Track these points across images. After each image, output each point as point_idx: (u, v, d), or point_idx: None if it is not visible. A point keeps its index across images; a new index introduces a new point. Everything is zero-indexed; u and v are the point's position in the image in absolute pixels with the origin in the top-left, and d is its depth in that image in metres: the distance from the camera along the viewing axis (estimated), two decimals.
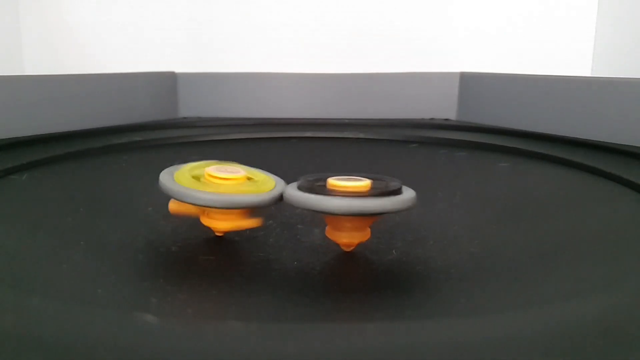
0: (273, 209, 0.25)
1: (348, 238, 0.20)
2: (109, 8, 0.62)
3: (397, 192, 0.19)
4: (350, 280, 0.18)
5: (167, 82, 0.57)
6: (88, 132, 0.45)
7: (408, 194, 0.19)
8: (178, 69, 0.58)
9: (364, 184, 0.19)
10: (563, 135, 0.43)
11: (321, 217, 0.20)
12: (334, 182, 0.19)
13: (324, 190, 0.18)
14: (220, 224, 0.20)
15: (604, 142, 0.40)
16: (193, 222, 0.22)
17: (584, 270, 0.18)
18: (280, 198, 0.20)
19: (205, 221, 0.21)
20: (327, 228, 0.20)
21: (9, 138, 0.40)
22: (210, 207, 0.19)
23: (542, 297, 0.16)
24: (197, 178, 0.20)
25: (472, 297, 0.17)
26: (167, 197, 0.20)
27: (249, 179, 0.21)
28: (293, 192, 0.19)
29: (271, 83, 0.58)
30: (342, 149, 0.44)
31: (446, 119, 0.56)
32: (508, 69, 0.56)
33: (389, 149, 0.44)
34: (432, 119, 0.56)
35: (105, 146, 0.40)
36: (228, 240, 0.21)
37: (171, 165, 0.22)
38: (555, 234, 0.22)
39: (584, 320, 0.13)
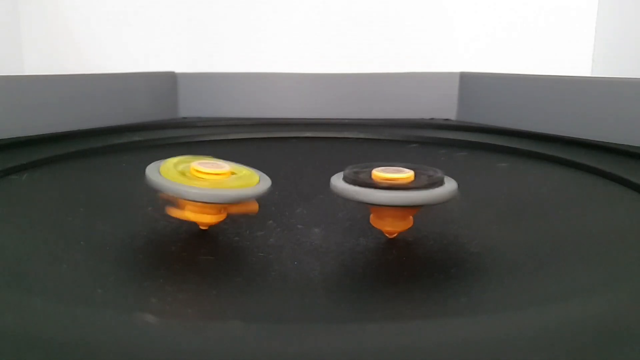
0: (273, 209, 0.25)
1: (391, 226, 0.21)
2: (109, 8, 0.62)
3: (440, 183, 0.20)
4: (349, 281, 0.18)
5: (167, 82, 0.57)
6: (88, 132, 0.45)
7: (450, 186, 0.20)
8: (178, 69, 0.58)
9: (407, 175, 0.20)
10: (563, 135, 0.43)
11: (365, 207, 0.20)
12: (378, 173, 0.20)
13: (368, 182, 0.19)
14: (206, 217, 0.21)
15: (604, 142, 0.40)
16: (192, 222, 0.22)
17: (584, 270, 0.18)
18: (265, 192, 0.21)
19: (190, 216, 0.21)
20: (371, 216, 0.21)
21: (9, 138, 0.40)
22: (200, 202, 0.19)
23: (542, 297, 0.16)
24: (182, 173, 0.20)
25: (473, 296, 0.17)
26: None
27: (233, 174, 0.21)
28: (339, 184, 0.20)
29: (271, 83, 0.58)
30: (342, 149, 0.44)
31: (446, 119, 0.56)
32: (508, 69, 0.56)
33: (389, 149, 0.44)
34: (432, 119, 0.56)
35: (105, 146, 0.40)
36: (228, 240, 0.21)
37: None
38: (555, 234, 0.22)
39: (584, 320, 0.13)
